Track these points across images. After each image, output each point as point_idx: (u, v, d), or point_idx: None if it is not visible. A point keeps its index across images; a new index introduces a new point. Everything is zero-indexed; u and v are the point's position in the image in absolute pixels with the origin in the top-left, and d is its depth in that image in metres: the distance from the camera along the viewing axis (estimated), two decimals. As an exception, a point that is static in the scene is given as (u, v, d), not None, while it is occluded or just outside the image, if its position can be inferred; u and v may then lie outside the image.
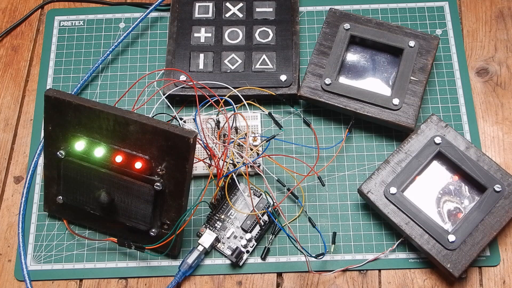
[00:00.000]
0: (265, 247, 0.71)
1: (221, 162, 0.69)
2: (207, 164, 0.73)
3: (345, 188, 0.75)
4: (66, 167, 0.69)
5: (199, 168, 0.74)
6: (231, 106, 0.74)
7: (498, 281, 0.70)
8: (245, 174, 0.71)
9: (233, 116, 0.73)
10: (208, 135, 0.74)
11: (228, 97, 0.74)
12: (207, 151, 0.70)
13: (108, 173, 0.67)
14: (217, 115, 0.75)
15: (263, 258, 0.71)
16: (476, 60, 0.82)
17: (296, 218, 0.73)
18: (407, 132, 0.74)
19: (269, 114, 0.77)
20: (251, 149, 0.73)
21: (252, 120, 0.76)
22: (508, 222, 0.68)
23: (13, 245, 0.74)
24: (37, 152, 0.77)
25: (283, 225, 0.72)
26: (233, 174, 0.71)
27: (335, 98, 0.75)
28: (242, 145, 0.73)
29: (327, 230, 0.72)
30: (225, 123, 0.73)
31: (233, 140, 0.73)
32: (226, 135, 0.74)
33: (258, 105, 0.77)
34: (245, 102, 0.74)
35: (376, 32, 0.78)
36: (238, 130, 0.75)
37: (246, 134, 0.73)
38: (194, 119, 0.75)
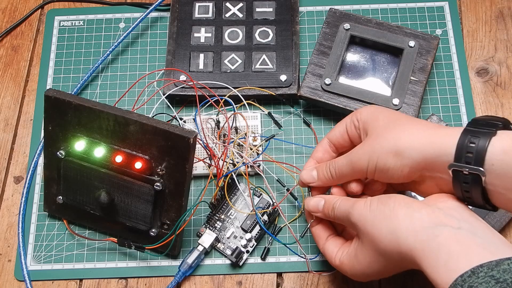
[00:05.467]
0: (265, 247, 0.71)
1: (220, 162, 0.69)
2: (207, 164, 0.73)
3: (345, 188, 0.75)
4: (66, 167, 0.69)
5: (199, 168, 0.74)
6: (231, 106, 0.74)
7: (498, 281, 0.70)
8: (245, 174, 0.71)
9: (233, 116, 0.73)
10: (208, 135, 0.74)
11: (228, 97, 0.74)
12: (207, 151, 0.70)
13: (108, 173, 0.67)
14: (217, 115, 0.75)
15: (263, 259, 0.71)
16: (476, 60, 0.82)
17: (296, 219, 0.73)
18: (407, 132, 0.74)
19: (269, 114, 0.77)
20: (251, 149, 0.73)
21: (252, 120, 0.76)
22: (508, 222, 0.68)
23: (13, 245, 0.74)
24: (37, 152, 0.77)
25: (283, 225, 0.72)
26: (233, 174, 0.71)
27: (335, 98, 0.75)
28: (242, 145, 0.73)
29: (327, 230, 0.72)
30: (225, 123, 0.73)
31: (233, 140, 0.73)
32: (226, 135, 0.74)
33: (258, 105, 0.77)
34: (245, 102, 0.74)
35: (376, 32, 0.78)
36: (238, 130, 0.75)
37: (246, 134, 0.73)
38: (194, 119, 0.75)
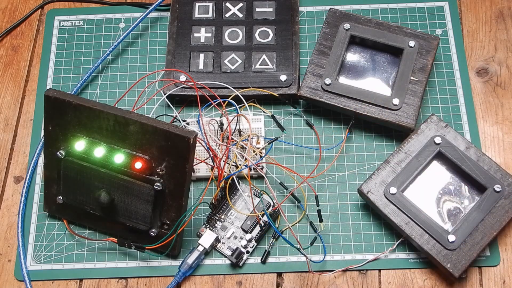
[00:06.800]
0: (266, 250, 0.71)
1: (222, 163, 0.69)
2: (210, 166, 0.73)
3: (345, 188, 0.75)
4: (66, 167, 0.69)
5: (202, 170, 0.74)
6: (233, 108, 0.74)
7: (498, 281, 0.70)
8: (247, 176, 0.71)
9: (236, 117, 0.73)
10: (211, 136, 0.73)
11: (229, 98, 0.74)
12: (209, 152, 0.70)
13: (108, 173, 0.67)
14: (221, 117, 0.75)
15: (263, 262, 0.71)
16: (476, 60, 0.82)
17: (297, 223, 0.73)
18: (407, 132, 0.74)
19: (272, 116, 0.77)
20: (254, 151, 0.73)
21: (256, 122, 0.76)
22: (508, 222, 0.68)
23: (13, 245, 0.74)
24: (37, 152, 0.77)
25: (284, 229, 0.72)
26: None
27: (335, 98, 0.75)
28: (245, 148, 0.73)
29: (327, 230, 0.72)
30: (228, 125, 0.72)
31: (235, 142, 0.72)
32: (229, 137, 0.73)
33: (260, 107, 0.77)
34: (246, 104, 0.74)
35: (376, 32, 0.78)
36: (242, 132, 0.75)
37: (249, 136, 0.73)
38: (198, 122, 0.74)
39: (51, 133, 0.69)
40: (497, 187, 0.69)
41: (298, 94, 0.77)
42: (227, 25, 0.82)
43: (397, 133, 0.77)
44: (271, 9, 0.83)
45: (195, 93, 0.76)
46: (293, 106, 0.79)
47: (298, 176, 0.73)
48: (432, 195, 0.71)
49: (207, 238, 0.69)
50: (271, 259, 0.71)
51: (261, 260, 0.71)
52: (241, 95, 0.75)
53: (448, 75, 0.80)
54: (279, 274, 0.71)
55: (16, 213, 0.75)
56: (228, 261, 0.71)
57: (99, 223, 0.72)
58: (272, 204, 0.72)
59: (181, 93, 0.78)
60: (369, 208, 0.73)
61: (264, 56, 0.80)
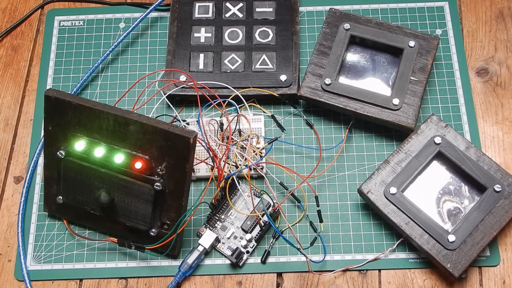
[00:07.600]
0: (266, 250, 0.71)
1: (222, 163, 0.69)
2: (210, 166, 0.73)
3: (345, 188, 0.75)
4: (66, 167, 0.69)
5: (202, 170, 0.74)
6: (233, 108, 0.74)
7: (498, 281, 0.70)
8: (247, 176, 0.71)
9: (236, 117, 0.73)
10: (211, 136, 0.73)
11: (229, 98, 0.74)
12: (209, 152, 0.70)
13: (108, 173, 0.67)
14: (221, 117, 0.75)
15: (263, 262, 0.71)
16: (476, 60, 0.82)
17: (297, 223, 0.73)
18: (407, 132, 0.74)
19: (272, 116, 0.77)
20: (254, 151, 0.73)
21: (256, 122, 0.76)
22: (508, 222, 0.68)
23: (13, 245, 0.74)
24: (37, 152, 0.77)
25: (284, 229, 0.72)
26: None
27: (335, 98, 0.75)
28: (245, 148, 0.73)
29: (327, 230, 0.72)
30: (228, 125, 0.72)
31: (235, 142, 0.72)
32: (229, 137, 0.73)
33: (260, 107, 0.77)
34: (246, 104, 0.74)
35: (376, 32, 0.78)
36: (242, 132, 0.75)
37: (249, 136, 0.73)
38: (198, 122, 0.74)
39: (51, 133, 0.69)
40: (497, 187, 0.69)
41: (298, 94, 0.77)
42: (227, 25, 0.82)
43: (397, 133, 0.77)
44: (271, 9, 0.83)
45: (195, 93, 0.76)
46: (293, 106, 0.79)
47: (298, 176, 0.73)
48: (432, 195, 0.71)
49: (207, 238, 0.69)
50: (271, 259, 0.71)
51: (261, 260, 0.71)
52: (241, 95, 0.75)
53: (448, 75, 0.80)
54: (279, 274, 0.71)
55: (16, 213, 0.75)
56: (228, 261, 0.71)
57: (99, 223, 0.72)
58: (272, 204, 0.72)
59: (181, 93, 0.78)
60: (369, 208, 0.73)
61: (264, 56, 0.80)
